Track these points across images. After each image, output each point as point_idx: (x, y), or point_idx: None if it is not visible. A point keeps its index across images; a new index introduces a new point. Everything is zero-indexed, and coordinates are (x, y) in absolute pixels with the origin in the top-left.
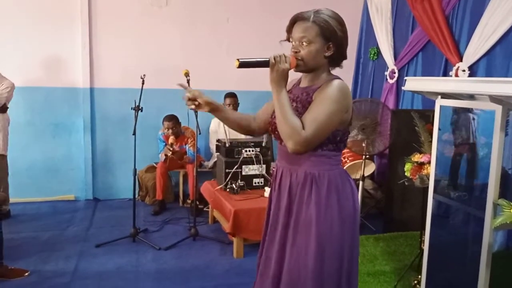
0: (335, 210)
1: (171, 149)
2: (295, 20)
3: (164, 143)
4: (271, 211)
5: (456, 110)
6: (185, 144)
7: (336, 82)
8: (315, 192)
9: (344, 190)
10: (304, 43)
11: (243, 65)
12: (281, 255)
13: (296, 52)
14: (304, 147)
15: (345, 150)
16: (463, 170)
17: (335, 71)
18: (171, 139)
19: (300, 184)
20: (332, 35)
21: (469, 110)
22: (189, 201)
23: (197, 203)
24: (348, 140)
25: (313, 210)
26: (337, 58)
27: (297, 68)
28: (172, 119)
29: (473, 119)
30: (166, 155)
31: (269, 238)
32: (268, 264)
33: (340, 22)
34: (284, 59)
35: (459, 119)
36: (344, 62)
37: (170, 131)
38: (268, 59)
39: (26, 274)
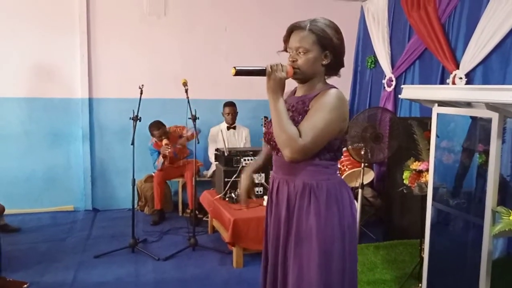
0: (336, 220)
1: (169, 148)
2: (292, 29)
3: (157, 151)
4: (271, 224)
5: (454, 118)
6: (181, 136)
7: (333, 90)
8: (314, 203)
9: (342, 200)
10: (301, 52)
11: (239, 73)
12: (286, 268)
13: (293, 61)
14: (302, 155)
15: (345, 158)
16: (461, 177)
17: (332, 81)
18: (165, 141)
19: (298, 194)
20: (328, 43)
21: (466, 118)
22: (188, 211)
23: (197, 212)
24: (349, 147)
25: (313, 221)
26: (335, 66)
27: (295, 76)
28: (160, 127)
29: (471, 126)
30: (165, 155)
31: (273, 252)
32: (275, 277)
33: (337, 30)
34: (280, 68)
35: (456, 126)
36: (342, 71)
37: (163, 137)
38: (264, 68)
39: (25, 286)
